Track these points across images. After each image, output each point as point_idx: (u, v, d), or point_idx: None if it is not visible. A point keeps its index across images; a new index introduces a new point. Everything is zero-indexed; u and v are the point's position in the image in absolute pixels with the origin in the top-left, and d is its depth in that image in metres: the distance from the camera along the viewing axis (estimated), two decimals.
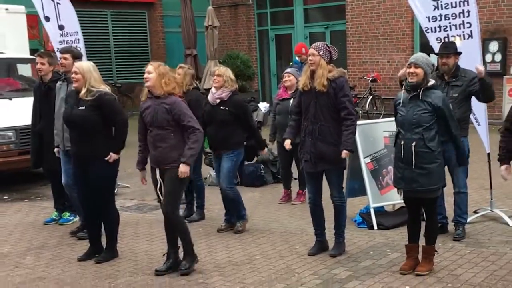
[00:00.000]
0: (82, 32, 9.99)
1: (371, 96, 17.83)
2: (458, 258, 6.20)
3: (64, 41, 9.88)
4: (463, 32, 7.54)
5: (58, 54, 7.94)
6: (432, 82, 5.81)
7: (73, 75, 6.37)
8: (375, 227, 7.28)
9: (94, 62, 6.66)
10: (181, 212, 7.27)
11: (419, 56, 5.82)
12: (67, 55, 7.34)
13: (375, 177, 7.58)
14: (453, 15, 7.57)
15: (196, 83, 8.11)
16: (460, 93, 6.76)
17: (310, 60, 6.22)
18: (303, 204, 8.55)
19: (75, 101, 6.38)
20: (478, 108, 7.49)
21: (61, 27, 9.88)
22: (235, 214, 7.53)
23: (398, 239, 6.84)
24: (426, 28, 7.81)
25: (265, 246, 6.90)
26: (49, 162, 7.81)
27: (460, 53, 6.84)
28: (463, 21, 7.54)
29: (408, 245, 5.98)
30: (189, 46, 17.42)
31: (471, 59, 7.25)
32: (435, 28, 7.72)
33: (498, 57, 15.89)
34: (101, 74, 6.61)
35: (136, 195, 9.68)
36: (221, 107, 7.25)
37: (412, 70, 5.68)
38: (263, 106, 15.75)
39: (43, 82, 7.85)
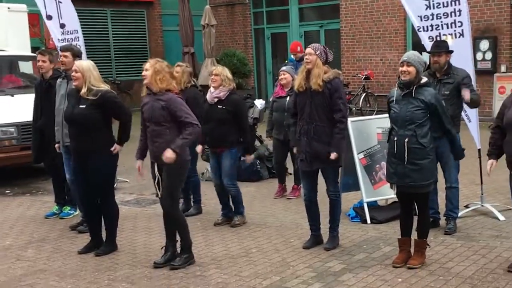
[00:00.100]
0: (82, 30, 10.04)
1: (365, 93, 18.03)
2: (450, 252, 6.25)
3: (64, 39, 9.91)
4: (455, 31, 7.60)
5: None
6: (424, 79, 5.85)
7: (73, 74, 6.43)
8: (368, 221, 7.34)
9: (93, 60, 6.73)
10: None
11: (411, 54, 5.84)
12: (68, 53, 7.37)
13: (369, 173, 7.65)
14: (445, 14, 7.62)
15: (194, 81, 8.15)
16: (452, 91, 6.81)
17: (306, 59, 6.24)
18: (298, 198, 8.63)
19: (76, 99, 6.44)
20: None
21: (62, 26, 9.93)
22: (234, 208, 7.59)
23: (391, 233, 6.89)
24: (418, 27, 7.86)
25: (261, 239, 6.96)
26: (50, 157, 7.89)
27: (451, 51, 6.90)
28: (454, 20, 7.59)
29: (400, 239, 6.03)
30: (186, 44, 17.47)
31: (463, 57, 7.34)
32: (427, 27, 7.77)
33: (489, 56, 16.09)
34: (100, 71, 6.66)
35: (135, 190, 9.74)
36: (219, 106, 7.30)
37: (404, 68, 5.71)
38: (259, 103, 15.81)
39: (44, 79, 7.91)
